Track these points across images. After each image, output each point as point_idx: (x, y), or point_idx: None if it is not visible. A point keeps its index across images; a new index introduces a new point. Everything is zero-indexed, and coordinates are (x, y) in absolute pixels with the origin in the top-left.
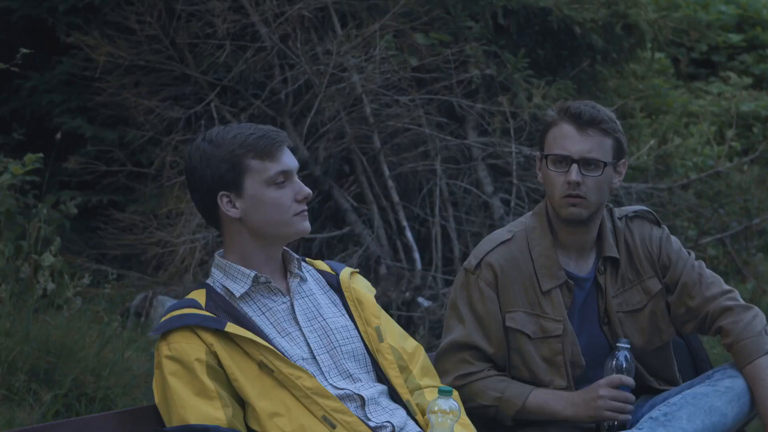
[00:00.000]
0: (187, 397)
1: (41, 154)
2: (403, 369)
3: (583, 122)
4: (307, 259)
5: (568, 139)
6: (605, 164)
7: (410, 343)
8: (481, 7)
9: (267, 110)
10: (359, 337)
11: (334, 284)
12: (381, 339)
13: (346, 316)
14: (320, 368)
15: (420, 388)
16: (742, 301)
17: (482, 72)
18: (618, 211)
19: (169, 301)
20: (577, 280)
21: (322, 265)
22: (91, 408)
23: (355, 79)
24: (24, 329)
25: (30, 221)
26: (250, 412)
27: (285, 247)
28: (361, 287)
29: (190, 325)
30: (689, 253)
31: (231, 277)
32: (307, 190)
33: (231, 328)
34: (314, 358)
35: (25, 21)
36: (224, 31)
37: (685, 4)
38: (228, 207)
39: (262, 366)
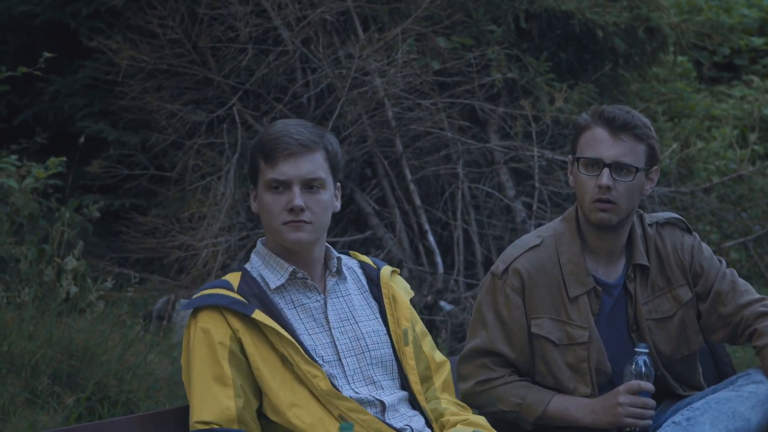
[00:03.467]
0: (205, 378)
1: (64, 158)
2: (427, 378)
3: (617, 127)
4: (351, 252)
5: (600, 143)
6: (637, 170)
7: (439, 355)
8: (503, 11)
9: (289, 114)
10: (389, 343)
11: (374, 278)
12: (406, 342)
13: (380, 320)
14: (344, 371)
15: (437, 399)
16: None
17: (504, 76)
18: (649, 218)
19: None
20: (605, 286)
21: (365, 258)
22: (113, 411)
23: (377, 83)
24: (47, 333)
25: (53, 225)
26: (268, 402)
27: (327, 245)
28: (399, 287)
29: (218, 307)
30: (721, 261)
31: (269, 267)
32: (296, 203)
33: (258, 315)
34: (340, 360)
35: (48, 25)
36: (246, 34)
37: (708, 7)
38: (252, 201)
39: (284, 359)
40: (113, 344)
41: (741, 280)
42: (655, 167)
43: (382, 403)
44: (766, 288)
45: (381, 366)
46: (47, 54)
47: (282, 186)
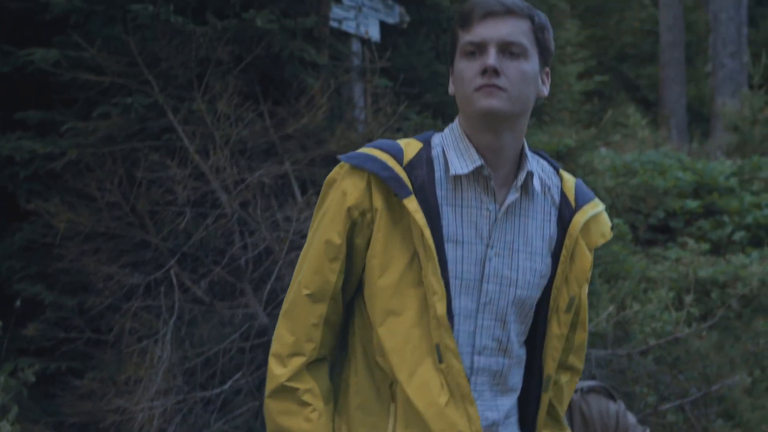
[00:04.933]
0: (320, 241)
1: (0, 322)
2: (566, 348)
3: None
4: (560, 171)
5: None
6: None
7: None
8: None
9: (227, 276)
10: (541, 289)
11: (565, 219)
12: (568, 308)
13: (549, 262)
14: (478, 297)
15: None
16: None
17: None
18: (578, 385)
19: None
20: None
21: (569, 187)
22: None
23: None
24: None
25: None
26: (366, 295)
27: (531, 151)
28: (594, 234)
29: (371, 173)
30: (645, 430)
31: (457, 150)
32: (489, 62)
33: (411, 203)
34: (481, 282)
35: None
36: (185, 197)
37: (643, 170)
38: (450, 84)
39: (413, 258)
40: None
41: None
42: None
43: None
44: None
45: (519, 307)
46: None
47: (477, 50)
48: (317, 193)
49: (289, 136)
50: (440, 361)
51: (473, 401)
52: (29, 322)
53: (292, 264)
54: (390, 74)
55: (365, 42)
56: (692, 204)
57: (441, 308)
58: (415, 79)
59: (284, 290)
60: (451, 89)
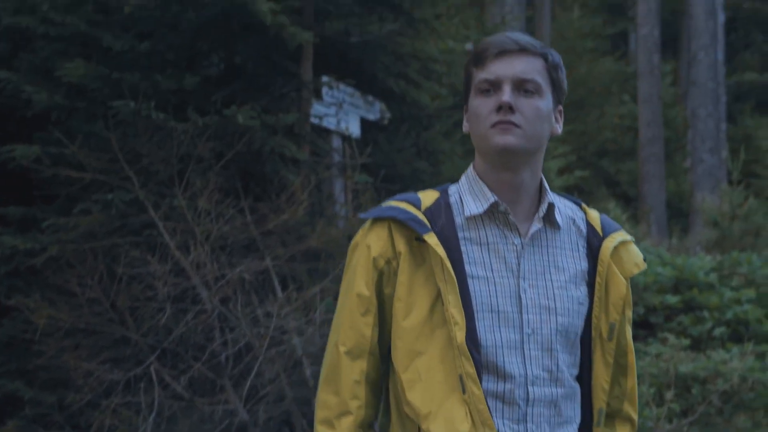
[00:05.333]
0: (352, 297)
1: None
2: (616, 379)
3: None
4: (583, 205)
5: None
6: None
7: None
8: None
9: (207, 372)
10: (583, 318)
11: (594, 247)
12: (610, 336)
13: (586, 291)
14: (521, 327)
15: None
16: None
17: None
18: None
19: None
20: None
21: (595, 218)
22: None
23: (295, 342)
24: None
25: None
26: (395, 334)
27: (547, 188)
28: (626, 262)
29: (391, 221)
30: None
31: (472, 193)
32: (504, 98)
33: (431, 238)
34: (521, 313)
35: None
36: (165, 294)
37: None
38: (465, 122)
39: (437, 299)
40: None
41: None
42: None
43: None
44: None
45: (564, 335)
46: None
47: (492, 87)
48: (298, 289)
49: (270, 232)
50: (464, 391)
51: (493, 426)
52: (8, 419)
53: (272, 360)
54: (370, 170)
55: (346, 138)
56: (672, 299)
57: (460, 336)
58: (395, 176)
59: (265, 386)
60: (465, 127)
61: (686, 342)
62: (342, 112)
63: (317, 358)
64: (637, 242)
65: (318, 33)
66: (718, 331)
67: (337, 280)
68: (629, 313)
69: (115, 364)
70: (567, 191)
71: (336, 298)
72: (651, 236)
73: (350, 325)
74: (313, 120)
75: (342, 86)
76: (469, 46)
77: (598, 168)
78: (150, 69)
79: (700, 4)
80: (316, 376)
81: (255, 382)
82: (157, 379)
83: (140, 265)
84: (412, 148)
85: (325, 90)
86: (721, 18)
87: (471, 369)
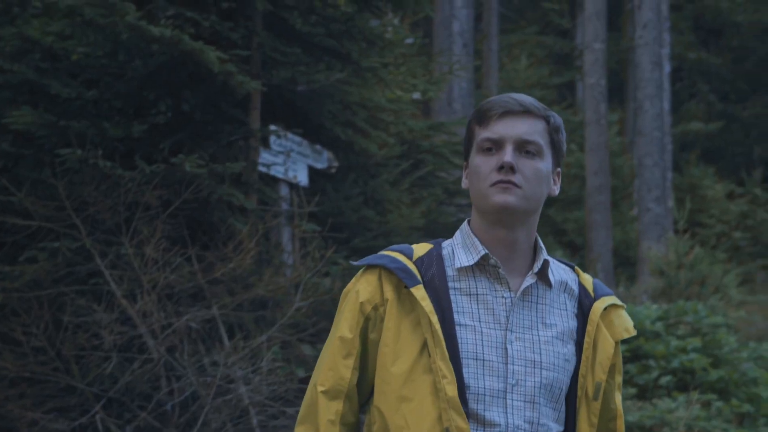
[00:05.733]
0: (335, 339)
1: None
2: None
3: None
4: (576, 268)
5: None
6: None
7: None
8: None
9: (153, 422)
10: (570, 376)
11: (585, 308)
12: (596, 396)
13: (574, 349)
14: (505, 379)
15: None
16: None
17: None
18: None
19: None
20: None
21: (587, 280)
22: None
23: (242, 391)
24: None
25: None
26: (377, 386)
27: (539, 238)
28: (616, 326)
29: (381, 269)
30: None
31: (464, 246)
32: (506, 158)
33: (418, 291)
34: (506, 365)
35: None
36: (111, 342)
37: None
38: (464, 178)
39: (424, 347)
40: None
41: None
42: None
43: None
44: None
45: (548, 390)
46: None
47: (494, 146)
48: (245, 338)
49: (217, 281)
50: None
51: None
52: None
53: (219, 409)
54: (318, 219)
55: (294, 187)
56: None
57: (451, 390)
58: (343, 224)
59: None
60: (464, 183)
61: (633, 391)
62: (290, 160)
63: (264, 407)
64: None
65: (266, 81)
66: (665, 380)
67: (284, 329)
68: (619, 380)
69: (61, 413)
70: None
71: (283, 347)
72: None
73: (330, 366)
74: (261, 168)
75: (290, 135)
76: (416, 95)
77: (545, 216)
78: (97, 117)
79: (646, 54)
80: (263, 425)
81: (201, 431)
82: (102, 429)
83: (86, 313)
84: (360, 197)
85: (273, 138)
86: (667, 68)
87: (464, 424)
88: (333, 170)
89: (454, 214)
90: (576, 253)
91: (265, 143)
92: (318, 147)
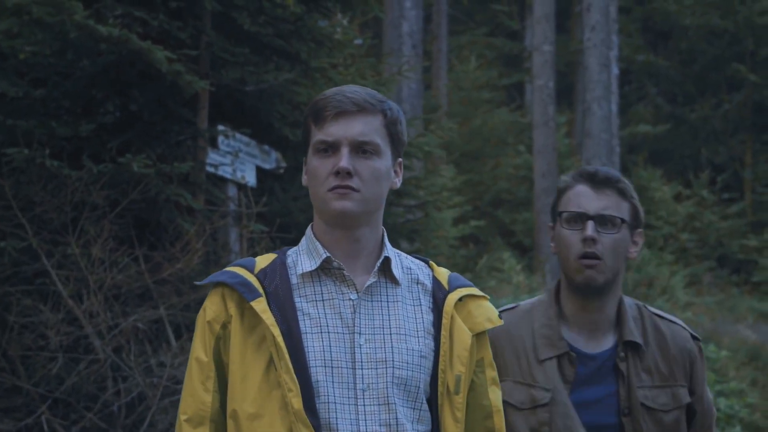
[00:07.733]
0: (192, 363)
1: None
2: None
3: (599, 181)
4: (431, 263)
5: (583, 197)
6: (622, 221)
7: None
8: None
9: (99, 423)
10: (428, 372)
11: (439, 301)
12: (457, 390)
13: (431, 344)
14: (354, 383)
15: None
16: None
17: None
18: (650, 309)
19: None
20: (583, 356)
21: (442, 274)
22: None
23: None
24: None
25: None
26: (231, 397)
27: (387, 243)
28: (478, 317)
29: (222, 285)
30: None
31: (308, 251)
32: (342, 164)
33: (258, 304)
34: (354, 369)
35: None
36: (57, 343)
37: None
38: (304, 175)
39: (270, 362)
40: None
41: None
42: (639, 230)
43: None
44: None
45: (403, 389)
46: None
47: (330, 148)
48: (192, 338)
49: (164, 281)
50: None
51: None
52: None
53: (165, 410)
54: (266, 219)
55: (241, 187)
56: None
57: (297, 403)
58: (291, 225)
59: None
60: (304, 180)
61: None
62: (238, 161)
63: None
64: (532, 292)
65: (214, 81)
66: None
67: None
68: (492, 374)
69: (6, 413)
70: (462, 241)
71: None
72: (546, 286)
73: (190, 392)
74: (209, 169)
75: (238, 135)
76: None
77: (493, 218)
78: (45, 116)
79: (595, 56)
80: None
81: None
82: (48, 430)
83: (32, 313)
84: (308, 197)
85: (221, 139)
86: (615, 70)
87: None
88: (281, 171)
89: (402, 215)
90: (524, 255)
91: (213, 143)
92: (266, 147)
